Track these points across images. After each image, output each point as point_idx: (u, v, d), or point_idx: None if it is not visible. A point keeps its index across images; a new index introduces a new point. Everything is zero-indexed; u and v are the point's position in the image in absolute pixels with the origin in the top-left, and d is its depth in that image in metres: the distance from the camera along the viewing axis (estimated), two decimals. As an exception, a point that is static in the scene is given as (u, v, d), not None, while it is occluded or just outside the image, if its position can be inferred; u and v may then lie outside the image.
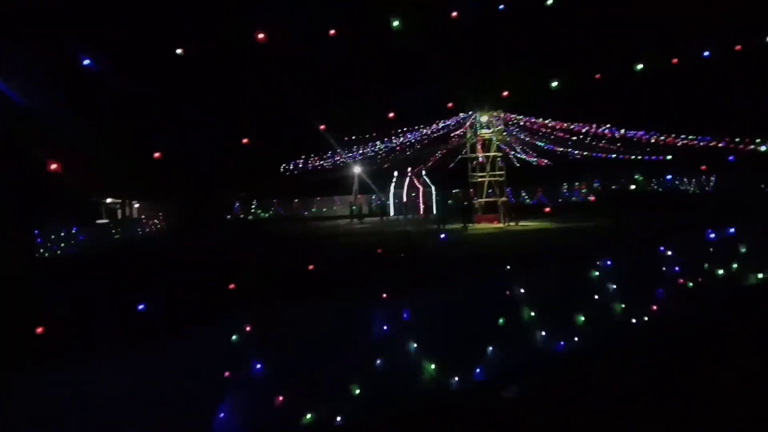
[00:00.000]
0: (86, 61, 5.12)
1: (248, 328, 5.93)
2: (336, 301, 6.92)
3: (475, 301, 7.26)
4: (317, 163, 32.46)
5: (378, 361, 6.51)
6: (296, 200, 44.78)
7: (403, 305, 6.77)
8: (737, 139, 27.24)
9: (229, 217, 42.26)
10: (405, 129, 30.83)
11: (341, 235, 25.74)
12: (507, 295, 7.71)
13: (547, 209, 19.67)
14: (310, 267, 8.14)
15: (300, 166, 31.86)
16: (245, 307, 6.55)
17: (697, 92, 32.00)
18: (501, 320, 7.54)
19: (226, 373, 5.63)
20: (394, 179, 42.32)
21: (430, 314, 6.90)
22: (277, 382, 5.81)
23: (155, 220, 37.36)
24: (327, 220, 39.94)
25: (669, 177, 45.91)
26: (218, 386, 5.54)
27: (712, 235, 10.98)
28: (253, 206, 43.95)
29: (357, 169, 40.29)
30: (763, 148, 27.23)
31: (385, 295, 6.86)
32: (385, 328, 6.65)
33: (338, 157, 33.16)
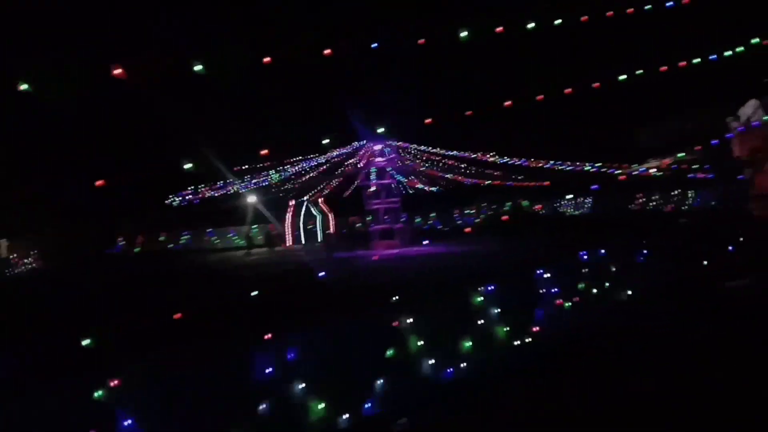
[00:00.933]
0: None
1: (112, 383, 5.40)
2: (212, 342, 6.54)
3: (358, 334, 7.16)
4: (207, 194, 31.24)
5: (261, 406, 6.17)
6: (186, 233, 42.76)
7: (285, 343, 6.53)
8: (605, 165, 29.74)
9: (109, 252, 39.39)
10: (300, 158, 30.56)
11: (228, 269, 24.80)
12: (394, 327, 7.69)
13: (467, 229, 20.27)
14: (177, 316, 7.65)
15: (189, 197, 30.47)
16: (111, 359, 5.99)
17: (572, 122, 35.06)
18: (389, 352, 7.49)
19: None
20: (290, 208, 41.83)
21: (313, 351, 6.69)
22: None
23: (28, 259, 33.99)
24: (221, 252, 38.50)
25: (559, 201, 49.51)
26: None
27: (585, 257, 11.76)
28: (137, 240, 41.32)
29: (251, 199, 39.34)
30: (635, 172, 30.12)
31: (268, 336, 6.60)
32: (268, 370, 6.35)
33: (230, 188, 32.12)
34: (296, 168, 31.92)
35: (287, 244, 41.16)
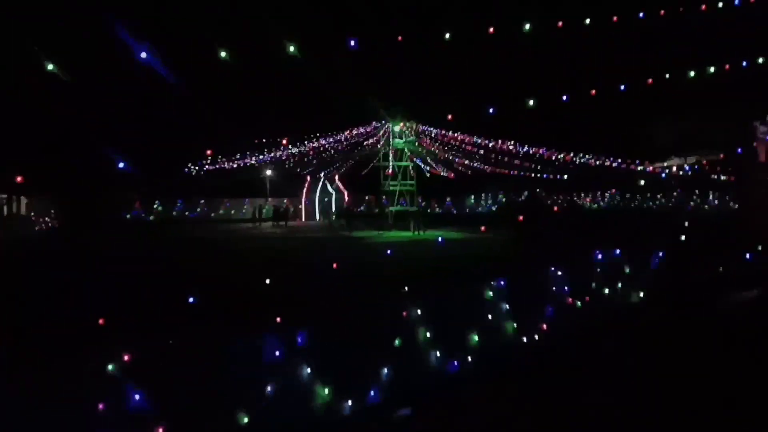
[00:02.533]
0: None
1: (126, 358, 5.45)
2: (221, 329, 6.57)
3: (367, 323, 7.15)
4: (226, 165, 31.38)
5: (268, 389, 6.21)
6: (202, 201, 43.09)
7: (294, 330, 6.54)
8: (632, 161, 29.28)
9: (128, 216, 39.85)
10: (318, 134, 30.50)
11: (242, 239, 24.95)
12: (402, 317, 7.67)
13: (483, 228, 20.26)
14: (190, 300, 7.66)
15: (207, 167, 30.64)
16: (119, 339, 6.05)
17: (598, 116, 34.46)
18: (396, 341, 7.49)
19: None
20: (307, 184, 41.93)
21: (321, 337, 6.69)
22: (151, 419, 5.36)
23: (46, 218, 34.51)
24: (234, 223, 38.83)
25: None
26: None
27: (600, 256, 11.61)
28: (155, 205, 41.72)
29: (268, 172, 39.47)
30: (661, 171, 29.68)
31: (278, 319, 6.61)
32: (277, 354, 6.38)
33: (248, 160, 32.21)
34: (315, 144, 31.88)
35: (301, 220, 41.38)
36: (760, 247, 14.20)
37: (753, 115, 25.02)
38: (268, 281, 9.86)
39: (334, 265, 9.14)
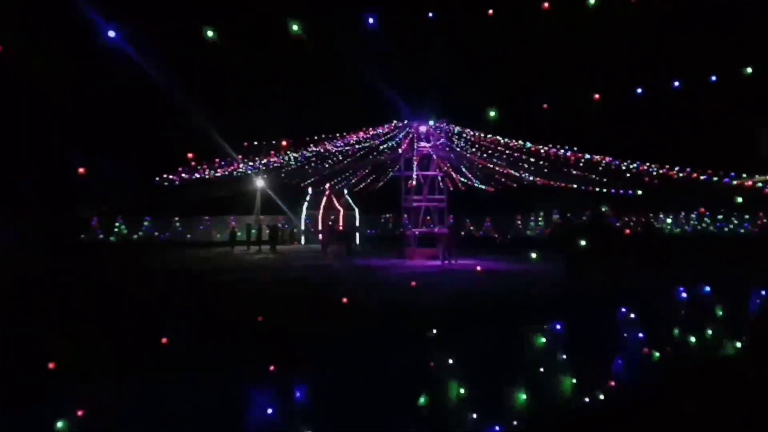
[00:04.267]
0: None
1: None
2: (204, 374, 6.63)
3: (383, 376, 7.15)
4: (207, 174, 31.71)
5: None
6: (176, 219, 43.57)
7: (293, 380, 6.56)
8: (726, 173, 28.99)
9: (82, 237, 40.48)
10: (324, 136, 30.76)
11: (223, 271, 25.15)
12: (429, 368, 7.64)
13: (534, 255, 20.42)
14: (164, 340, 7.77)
15: (183, 176, 30.99)
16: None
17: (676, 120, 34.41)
18: (421, 400, 7.45)
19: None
20: (308, 198, 42.24)
21: (323, 394, 6.70)
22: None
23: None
24: (215, 247, 39.11)
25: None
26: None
27: (685, 294, 11.48)
28: (117, 225, 42.29)
29: (260, 184, 39.85)
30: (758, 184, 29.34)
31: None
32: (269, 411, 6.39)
33: (235, 167, 32.54)
34: (318, 149, 32.13)
35: (299, 243, 41.61)
36: None
37: None
38: (260, 318, 9.98)
39: (344, 300, 9.18)
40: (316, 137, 30.95)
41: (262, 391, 6.39)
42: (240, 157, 30.83)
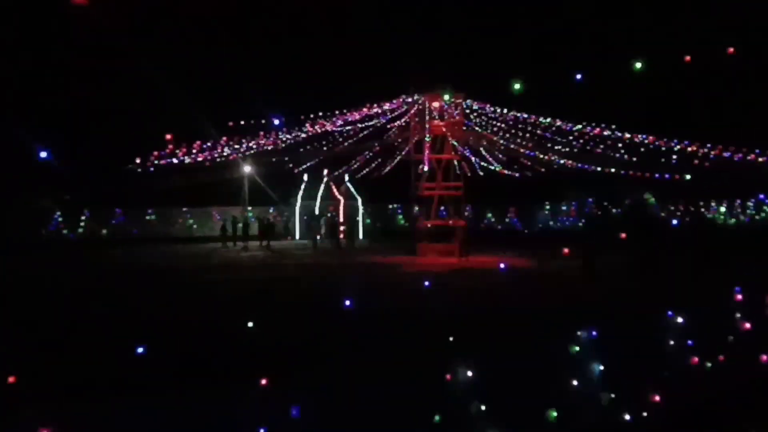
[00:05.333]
0: None
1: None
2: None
3: (393, 389, 7.21)
4: (185, 158, 31.74)
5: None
6: (151, 211, 43.68)
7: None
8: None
9: (44, 232, 40.66)
10: (321, 114, 30.74)
11: (208, 268, 25.32)
12: (445, 380, 7.71)
13: (566, 250, 20.53)
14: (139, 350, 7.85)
15: (160, 162, 31.02)
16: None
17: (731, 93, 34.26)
18: (436, 418, 7.55)
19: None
20: (303, 185, 42.26)
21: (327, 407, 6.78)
22: None
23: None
24: (197, 242, 39.25)
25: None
26: None
27: (740, 296, 11.52)
28: (83, 218, 42.41)
29: (247, 170, 39.92)
30: None
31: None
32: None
33: (218, 151, 32.56)
34: (315, 128, 32.11)
35: (293, 238, 41.69)
36: None
37: None
38: (251, 324, 10.06)
39: (347, 302, 9.24)
40: (312, 115, 30.94)
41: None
42: (224, 139, 30.90)
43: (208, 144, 31.11)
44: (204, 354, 10.19)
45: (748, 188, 46.24)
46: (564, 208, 50.08)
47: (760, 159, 28.38)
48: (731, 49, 8.50)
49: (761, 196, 48.69)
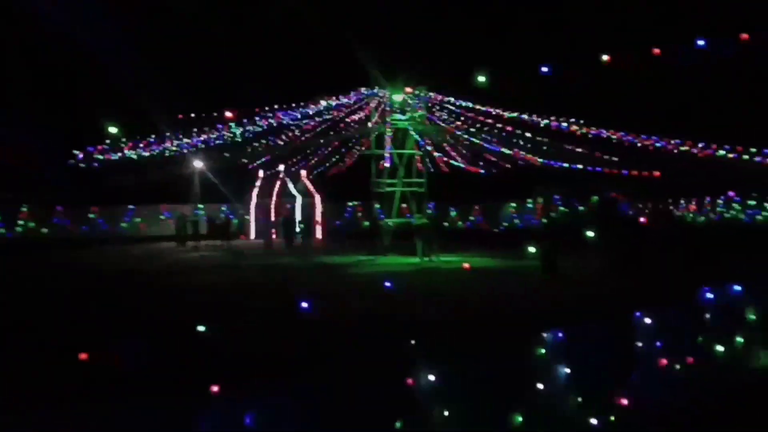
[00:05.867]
0: None
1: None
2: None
3: (350, 395, 7.18)
4: (133, 153, 31.33)
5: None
6: (94, 208, 42.95)
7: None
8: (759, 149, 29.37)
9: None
10: (276, 107, 30.58)
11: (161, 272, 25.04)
12: (407, 386, 7.68)
13: (532, 249, 20.86)
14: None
15: (102, 158, 30.52)
16: None
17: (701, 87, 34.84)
18: (397, 424, 7.51)
19: None
20: (259, 182, 41.97)
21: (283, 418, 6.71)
22: None
23: None
24: (148, 242, 38.76)
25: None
26: None
27: (711, 296, 11.65)
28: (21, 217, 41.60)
29: (198, 165, 39.50)
30: None
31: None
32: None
33: (167, 144, 32.19)
34: (271, 122, 31.90)
35: (248, 237, 41.35)
36: None
37: None
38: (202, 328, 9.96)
39: (304, 305, 9.17)
40: (267, 108, 30.75)
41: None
42: (175, 133, 30.58)
43: (156, 138, 30.77)
44: (157, 361, 10.03)
45: (718, 186, 46.99)
46: (530, 206, 50.44)
47: (731, 156, 28.89)
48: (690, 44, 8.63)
49: (730, 193, 49.56)
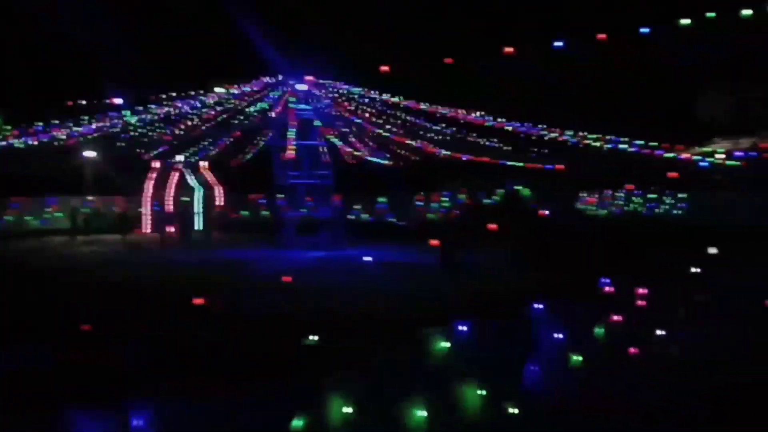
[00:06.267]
0: None
1: None
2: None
3: (249, 395, 7.23)
4: (15, 142, 30.40)
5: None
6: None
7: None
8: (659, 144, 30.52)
9: None
10: (174, 95, 30.05)
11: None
12: (309, 384, 7.77)
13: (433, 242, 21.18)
14: None
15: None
16: None
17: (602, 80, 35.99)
18: (296, 423, 7.60)
19: None
20: (155, 173, 41.14)
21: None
22: None
23: None
24: (38, 236, 37.54)
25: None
26: None
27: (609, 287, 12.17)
28: None
29: (89, 155, 38.54)
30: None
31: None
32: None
33: (56, 133, 31.25)
34: (167, 110, 31.35)
35: (144, 230, 40.48)
36: None
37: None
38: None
39: (197, 302, 9.11)
40: (164, 95, 30.20)
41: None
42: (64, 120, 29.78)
43: (41, 126, 29.91)
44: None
45: (618, 179, 48.43)
46: (445, 199, 50.97)
47: (630, 149, 29.91)
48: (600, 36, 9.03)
49: (628, 186, 51.15)
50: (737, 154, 32.34)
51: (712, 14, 11.94)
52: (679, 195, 48.37)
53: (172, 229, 36.16)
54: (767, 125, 33.75)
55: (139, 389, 7.98)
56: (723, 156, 32.79)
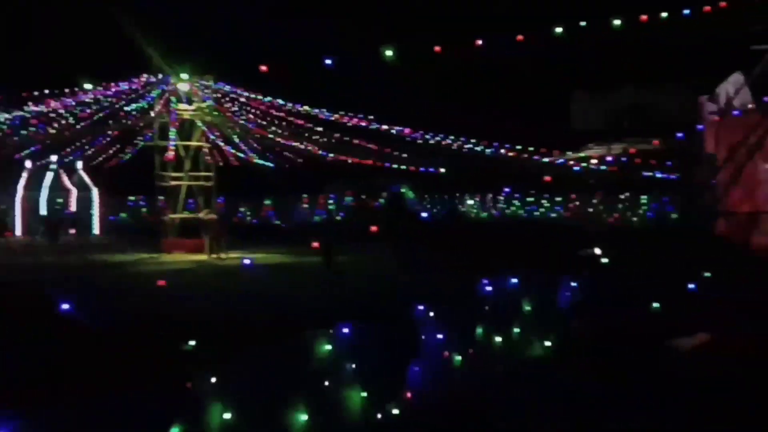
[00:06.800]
0: None
1: None
2: None
3: (121, 404, 6.99)
4: None
5: None
6: None
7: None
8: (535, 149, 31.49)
9: None
10: (47, 92, 29.07)
11: None
12: (185, 390, 7.58)
13: (315, 244, 21.01)
14: None
15: None
16: None
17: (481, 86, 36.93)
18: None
19: None
20: (26, 174, 39.92)
21: None
22: None
23: None
24: None
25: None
26: None
27: (489, 288, 12.33)
28: None
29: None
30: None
31: None
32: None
33: None
34: (40, 108, 30.31)
35: (13, 234, 39.12)
36: (707, 274, 15.97)
37: (698, 90, 28.22)
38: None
39: (66, 306, 8.77)
40: (36, 93, 29.21)
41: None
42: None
43: None
44: None
45: (498, 182, 49.73)
46: (330, 202, 51.28)
47: (511, 153, 30.76)
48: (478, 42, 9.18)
49: (506, 189, 52.66)
50: (609, 159, 33.76)
51: (584, 23, 12.36)
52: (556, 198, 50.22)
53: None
54: (637, 132, 35.29)
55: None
56: (596, 161, 34.15)
